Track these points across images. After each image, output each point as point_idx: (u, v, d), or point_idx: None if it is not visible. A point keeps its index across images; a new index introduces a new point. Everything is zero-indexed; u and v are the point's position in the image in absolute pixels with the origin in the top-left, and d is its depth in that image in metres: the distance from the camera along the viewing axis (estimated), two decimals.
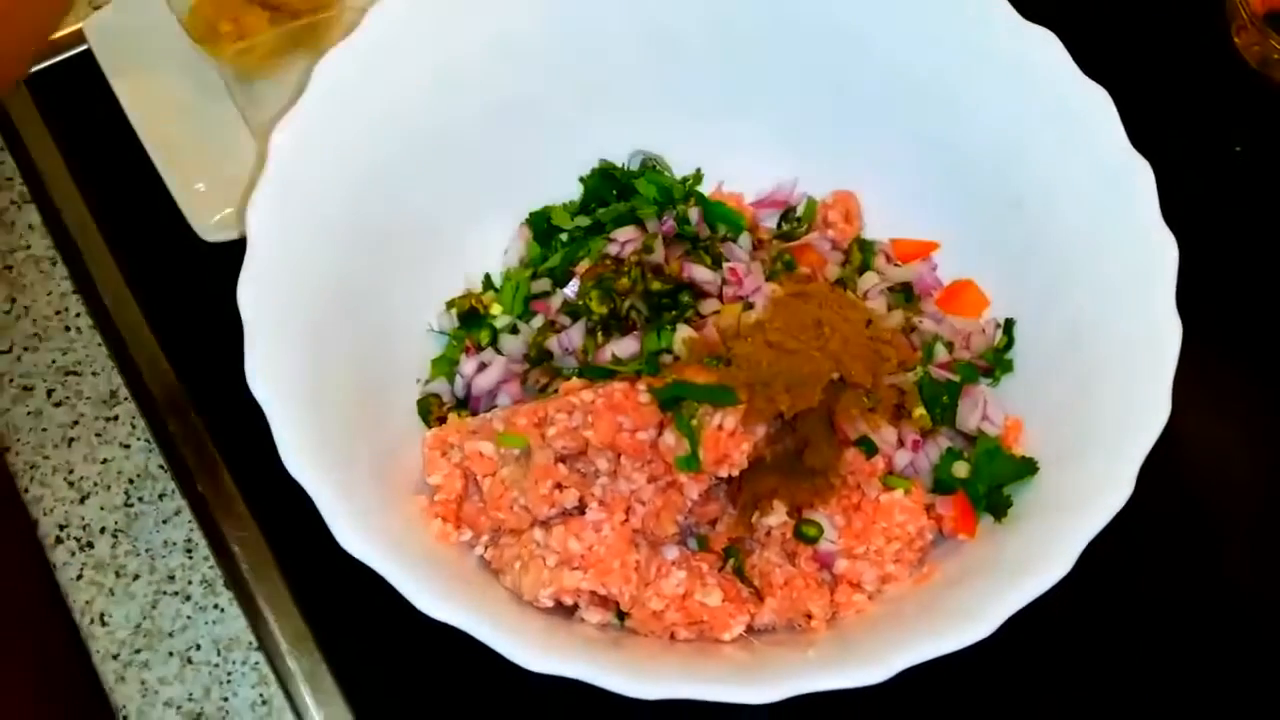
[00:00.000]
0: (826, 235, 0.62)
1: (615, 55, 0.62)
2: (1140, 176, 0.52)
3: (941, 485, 0.52)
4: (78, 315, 0.67)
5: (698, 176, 0.65)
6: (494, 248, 0.64)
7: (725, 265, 0.56)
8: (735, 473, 0.49)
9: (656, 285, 0.55)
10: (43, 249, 0.69)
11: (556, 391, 0.53)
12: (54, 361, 0.65)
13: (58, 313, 0.67)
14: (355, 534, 0.44)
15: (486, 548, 0.51)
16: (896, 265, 0.62)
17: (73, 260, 0.68)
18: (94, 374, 0.65)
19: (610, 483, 0.49)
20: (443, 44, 0.58)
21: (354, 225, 0.56)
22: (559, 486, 0.49)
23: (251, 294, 0.49)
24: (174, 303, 0.66)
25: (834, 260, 0.61)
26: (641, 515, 0.49)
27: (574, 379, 0.53)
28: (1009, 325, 0.58)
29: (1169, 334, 0.49)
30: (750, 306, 0.53)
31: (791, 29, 0.61)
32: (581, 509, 0.49)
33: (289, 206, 0.52)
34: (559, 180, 0.64)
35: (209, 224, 0.64)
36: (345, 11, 0.70)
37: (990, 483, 0.51)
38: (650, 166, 0.65)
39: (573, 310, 0.56)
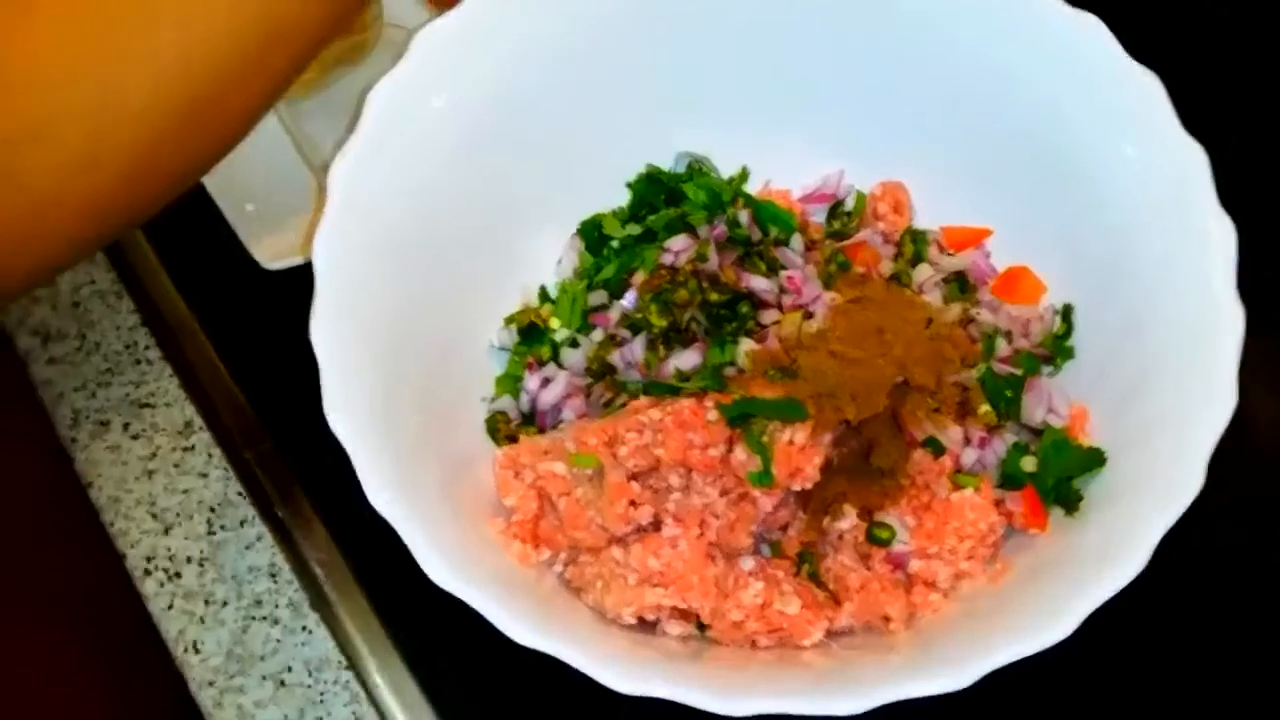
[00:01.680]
0: (878, 229, 0.63)
1: (657, 57, 0.62)
2: (1193, 159, 0.52)
3: (1009, 480, 0.53)
4: (147, 348, 0.68)
5: (743, 175, 0.65)
6: (548, 259, 0.64)
7: (782, 273, 0.56)
8: (808, 485, 0.49)
9: (714, 296, 0.55)
10: (108, 283, 0.70)
11: (622, 406, 0.54)
12: (127, 395, 0.67)
13: (127, 347, 0.68)
14: (447, 571, 0.46)
15: (566, 566, 0.52)
16: (950, 255, 0.62)
17: (138, 293, 0.69)
18: (167, 405, 0.67)
19: (684, 498, 0.50)
20: (492, 61, 0.58)
21: (414, 249, 0.57)
22: (633, 504, 0.50)
23: (324, 335, 0.50)
24: (240, 331, 0.68)
25: (887, 255, 0.61)
26: (716, 528, 0.50)
27: (641, 396, 0.53)
28: (1067, 311, 0.58)
29: (1230, 318, 0.49)
30: (810, 315, 0.53)
31: (833, 18, 0.61)
32: (657, 525, 0.50)
33: (352, 240, 0.53)
34: (608, 187, 0.65)
35: (268, 254, 0.65)
36: (385, 27, 0.71)
37: (1059, 475, 0.52)
38: (697, 169, 0.65)
39: (633, 324, 0.57)
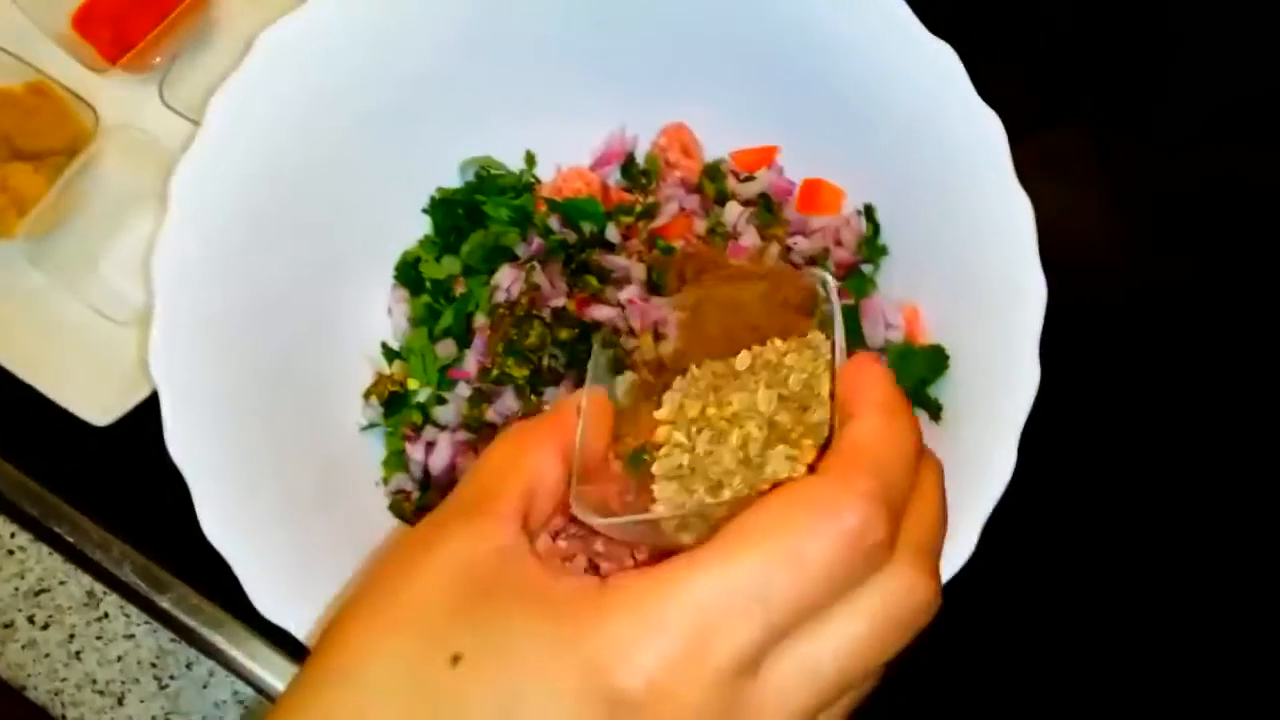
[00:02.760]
0: (675, 179, 0.64)
1: (418, 67, 0.60)
2: (945, 58, 0.55)
3: None
4: (13, 535, 0.66)
5: (531, 159, 0.65)
6: (376, 310, 0.64)
7: (622, 295, 0.57)
8: None
9: (565, 334, 0.57)
10: None
11: None
12: (16, 589, 0.65)
13: None
14: None
15: None
16: (748, 178, 0.64)
17: None
18: (61, 584, 0.66)
19: (606, 541, 0.54)
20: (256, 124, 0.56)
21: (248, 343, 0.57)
22: (567, 558, 0.53)
23: (184, 453, 0.51)
24: (98, 483, 0.66)
25: (693, 208, 0.63)
26: (646, 548, 0.54)
27: None
28: (870, 211, 0.62)
29: (1020, 206, 0.54)
30: (661, 336, 0.56)
31: None
32: (595, 568, 0.54)
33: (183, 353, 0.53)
34: (405, 214, 0.64)
35: (97, 411, 0.63)
36: (104, 133, 0.66)
37: (911, 382, 0.57)
38: (485, 174, 0.65)
39: (497, 378, 0.58)
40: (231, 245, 0.55)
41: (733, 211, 0.62)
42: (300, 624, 0.51)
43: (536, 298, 0.59)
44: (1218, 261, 0.69)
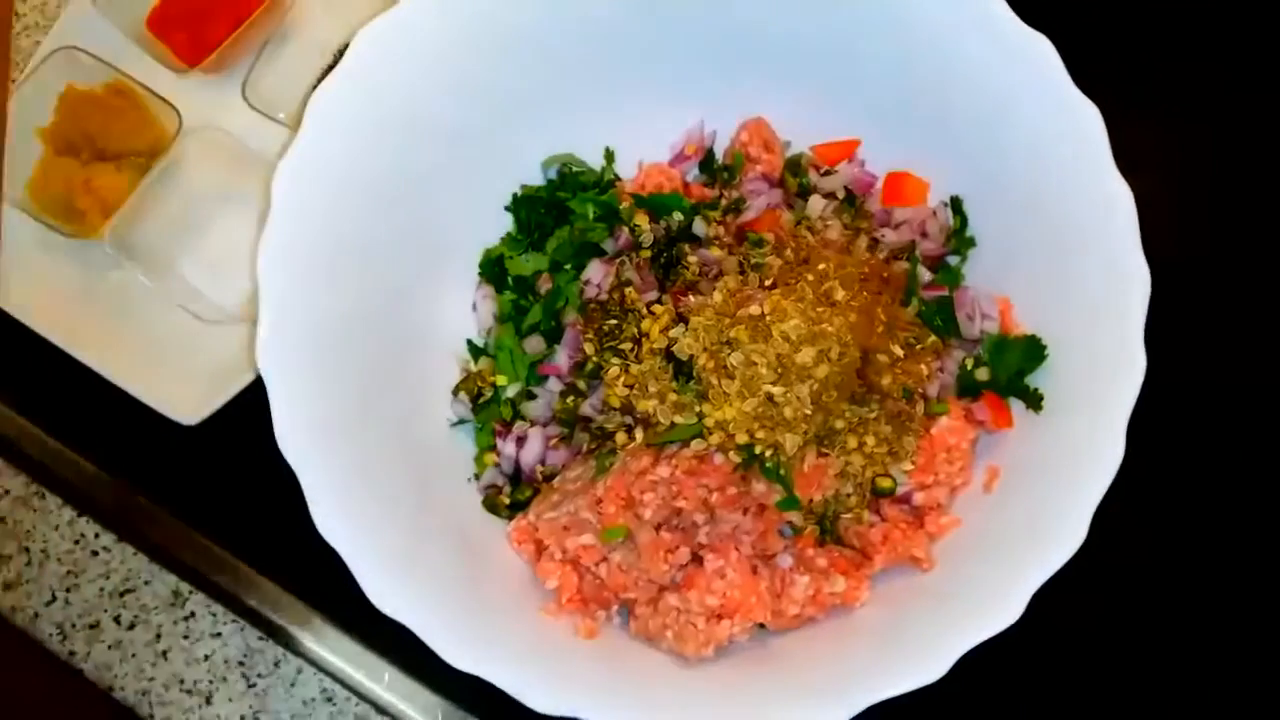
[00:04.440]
0: (758, 173, 0.64)
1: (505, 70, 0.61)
2: (1041, 48, 0.55)
3: (967, 389, 0.58)
4: (97, 535, 0.66)
5: (610, 156, 0.66)
6: (459, 306, 0.64)
7: (717, 281, 0.58)
8: (829, 494, 0.54)
9: (657, 327, 0.57)
10: (19, 486, 0.67)
11: (611, 453, 0.56)
12: (101, 590, 0.65)
13: (76, 542, 0.66)
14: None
15: (629, 619, 0.56)
16: (830, 171, 0.64)
17: (61, 486, 0.66)
18: (146, 583, 0.66)
19: (712, 528, 0.54)
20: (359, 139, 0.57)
21: (360, 354, 0.57)
22: (670, 550, 0.54)
23: (299, 453, 0.51)
24: (181, 481, 0.66)
25: (776, 202, 0.63)
26: (749, 543, 0.54)
27: (631, 445, 0.56)
28: (957, 203, 0.62)
29: (1122, 196, 0.54)
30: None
31: None
32: (697, 558, 0.54)
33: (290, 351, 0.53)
34: (488, 211, 0.64)
35: (187, 410, 0.63)
36: (186, 133, 0.66)
37: (1009, 372, 0.57)
38: (568, 171, 0.65)
39: (592, 373, 0.58)
40: (330, 245, 0.56)
41: (816, 204, 0.62)
42: (408, 614, 0.51)
43: (628, 292, 0.59)
44: None
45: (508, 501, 0.59)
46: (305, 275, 0.55)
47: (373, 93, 0.56)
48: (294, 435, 0.51)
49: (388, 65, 0.57)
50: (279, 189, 0.54)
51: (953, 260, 0.62)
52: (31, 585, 0.66)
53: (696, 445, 0.54)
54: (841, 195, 0.64)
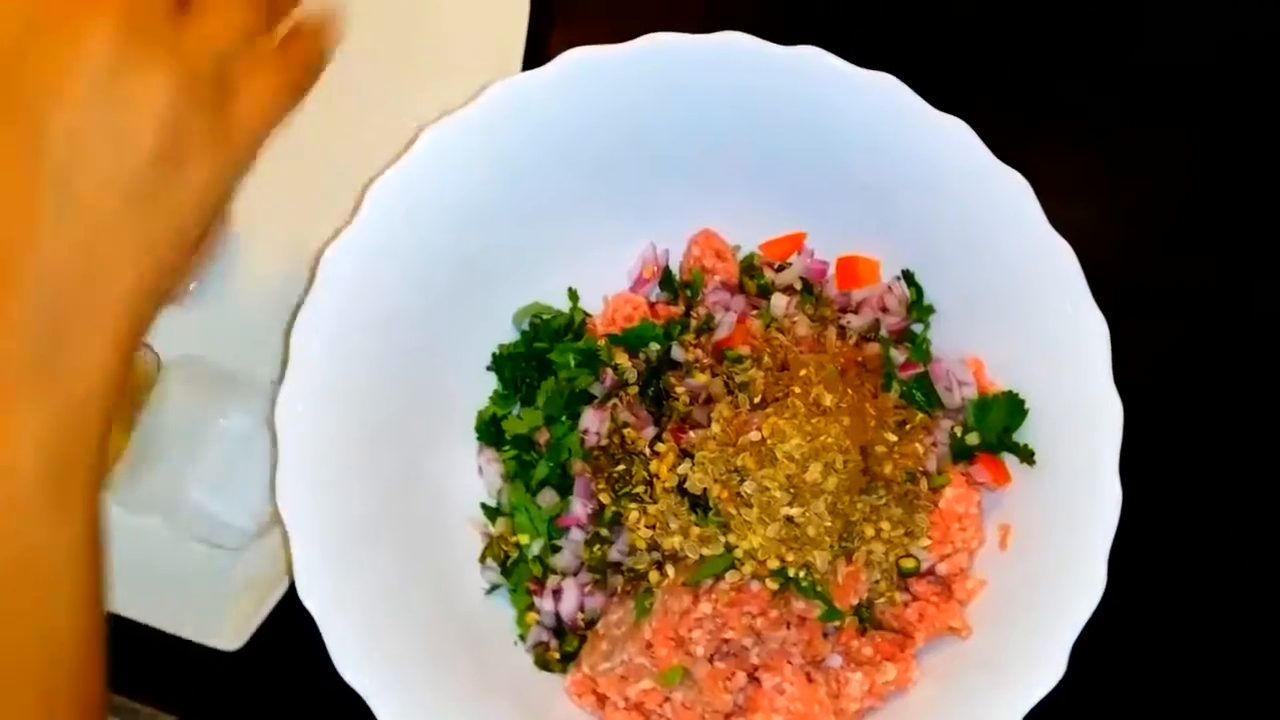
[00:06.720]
0: (716, 283, 0.67)
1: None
2: (960, 128, 0.59)
3: (961, 454, 0.61)
4: None
5: (574, 295, 0.68)
6: (465, 473, 0.66)
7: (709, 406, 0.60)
8: (866, 596, 0.57)
9: (665, 466, 0.59)
10: None
11: (647, 592, 0.59)
12: None
13: None
14: None
15: None
16: (782, 267, 0.67)
17: None
18: None
19: (761, 648, 0.57)
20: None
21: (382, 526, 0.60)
22: (727, 679, 0.56)
23: (359, 665, 0.54)
24: (233, 705, 0.67)
25: (740, 308, 0.65)
26: (798, 653, 0.57)
27: (665, 581, 0.58)
28: (909, 276, 0.65)
29: (1060, 250, 0.58)
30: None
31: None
32: (753, 679, 0.57)
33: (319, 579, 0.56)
34: (471, 374, 0.66)
35: (229, 636, 0.64)
36: (165, 370, 0.67)
37: (995, 431, 0.60)
38: (539, 321, 0.67)
39: (612, 520, 0.60)
40: (337, 462, 0.58)
41: (779, 303, 0.65)
42: None
43: (626, 433, 0.61)
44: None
45: (558, 656, 0.62)
46: (325, 492, 0.57)
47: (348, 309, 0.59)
48: (356, 662, 0.53)
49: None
50: (284, 428, 0.56)
51: (917, 328, 0.65)
52: None
53: (732, 578, 0.56)
54: (800, 286, 0.67)
